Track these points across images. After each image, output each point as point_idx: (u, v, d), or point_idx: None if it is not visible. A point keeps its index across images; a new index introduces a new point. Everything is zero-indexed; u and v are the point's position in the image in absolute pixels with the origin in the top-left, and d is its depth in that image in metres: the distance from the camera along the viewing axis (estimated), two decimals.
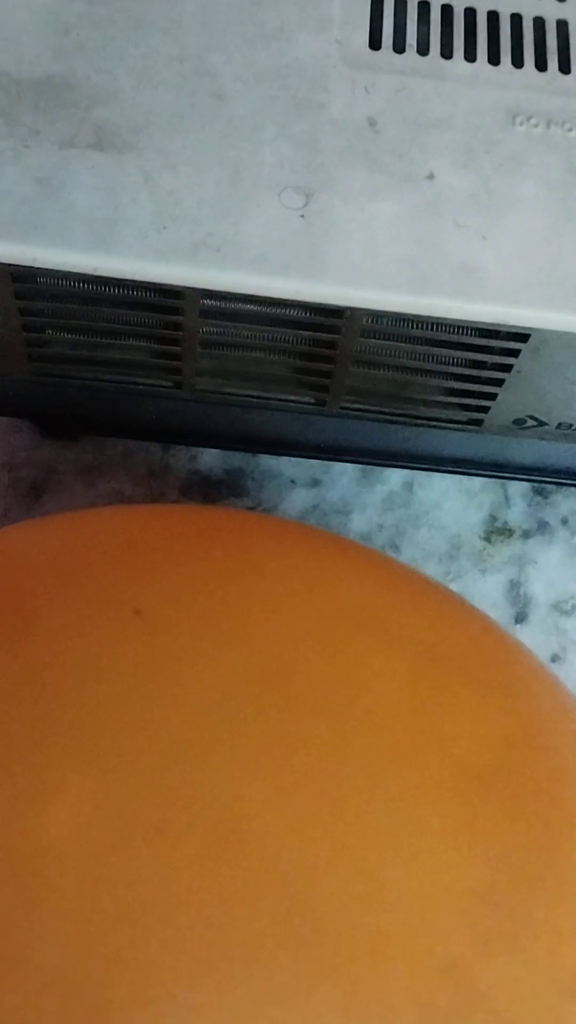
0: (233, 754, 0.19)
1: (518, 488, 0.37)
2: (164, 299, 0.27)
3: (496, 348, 0.28)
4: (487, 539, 0.37)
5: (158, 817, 0.18)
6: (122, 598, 0.21)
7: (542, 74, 0.28)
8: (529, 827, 0.20)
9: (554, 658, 0.36)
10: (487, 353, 0.29)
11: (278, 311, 0.28)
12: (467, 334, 0.28)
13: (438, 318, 0.27)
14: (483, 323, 0.26)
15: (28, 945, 0.17)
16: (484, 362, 0.29)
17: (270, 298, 0.27)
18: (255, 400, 0.32)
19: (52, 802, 0.18)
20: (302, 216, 0.26)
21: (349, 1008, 0.17)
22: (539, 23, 0.29)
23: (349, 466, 0.37)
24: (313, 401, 0.32)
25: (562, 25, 0.29)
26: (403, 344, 0.29)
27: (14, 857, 0.18)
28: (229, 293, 0.26)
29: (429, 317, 0.27)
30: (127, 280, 0.26)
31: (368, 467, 0.37)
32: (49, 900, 0.17)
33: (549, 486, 0.37)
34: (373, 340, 0.29)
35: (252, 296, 0.27)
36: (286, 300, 0.26)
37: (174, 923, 0.17)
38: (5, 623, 0.21)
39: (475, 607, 0.28)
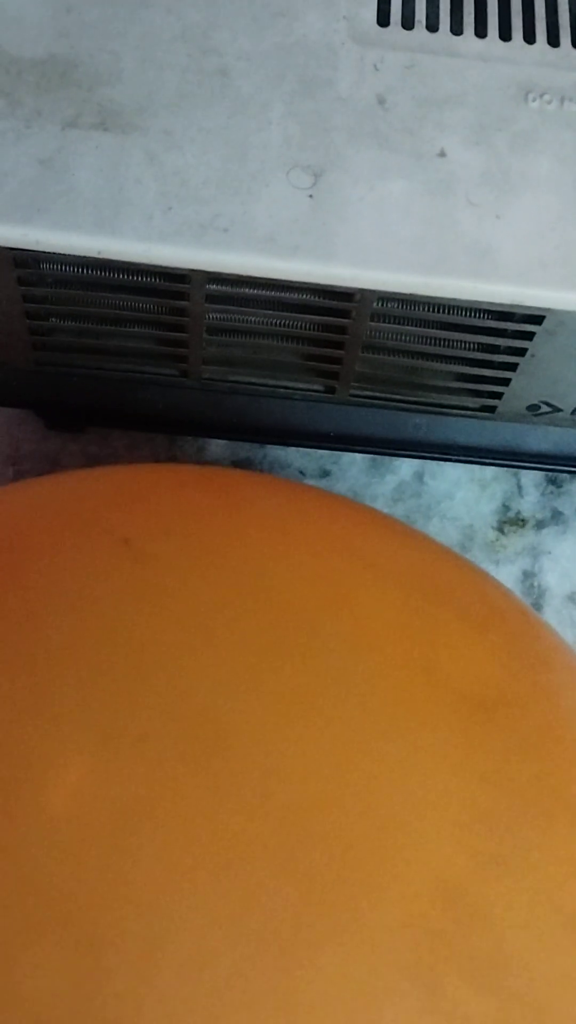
0: (219, 667, 0.19)
1: (531, 477, 0.37)
2: (169, 284, 0.27)
3: (510, 331, 0.28)
4: (500, 529, 0.36)
5: (140, 728, 0.18)
6: (111, 528, 0.21)
7: (555, 50, 0.28)
8: (531, 755, 0.20)
9: None
10: (501, 336, 0.28)
11: (286, 295, 0.27)
12: (480, 317, 0.27)
13: (451, 299, 0.26)
14: (497, 304, 0.26)
15: (19, 860, 0.17)
16: (498, 346, 0.28)
17: (278, 281, 0.26)
18: (263, 388, 0.31)
19: (39, 721, 0.18)
20: (311, 196, 0.25)
21: (344, 928, 0.17)
22: None
23: (359, 456, 0.37)
24: (322, 388, 0.31)
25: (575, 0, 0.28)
26: (415, 328, 0.28)
27: (4, 763, 0.17)
28: (236, 276, 0.26)
29: (442, 299, 0.26)
30: (132, 264, 0.25)
31: (378, 457, 0.36)
32: (39, 813, 0.17)
33: (563, 475, 0.37)
34: (384, 324, 0.28)
35: (259, 279, 0.26)
36: (294, 283, 0.26)
37: (161, 833, 0.17)
38: None
39: (471, 562, 0.28)
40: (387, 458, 0.36)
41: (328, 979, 0.16)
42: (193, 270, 0.26)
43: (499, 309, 0.26)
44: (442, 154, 0.26)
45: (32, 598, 0.20)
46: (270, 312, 0.28)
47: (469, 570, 0.26)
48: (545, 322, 0.27)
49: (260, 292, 0.27)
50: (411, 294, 0.26)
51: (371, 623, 0.21)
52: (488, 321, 0.27)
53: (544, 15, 0.28)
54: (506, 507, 0.36)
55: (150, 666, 0.19)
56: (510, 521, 0.36)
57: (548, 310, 0.26)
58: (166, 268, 0.26)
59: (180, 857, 0.17)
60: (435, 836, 0.18)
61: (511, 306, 0.26)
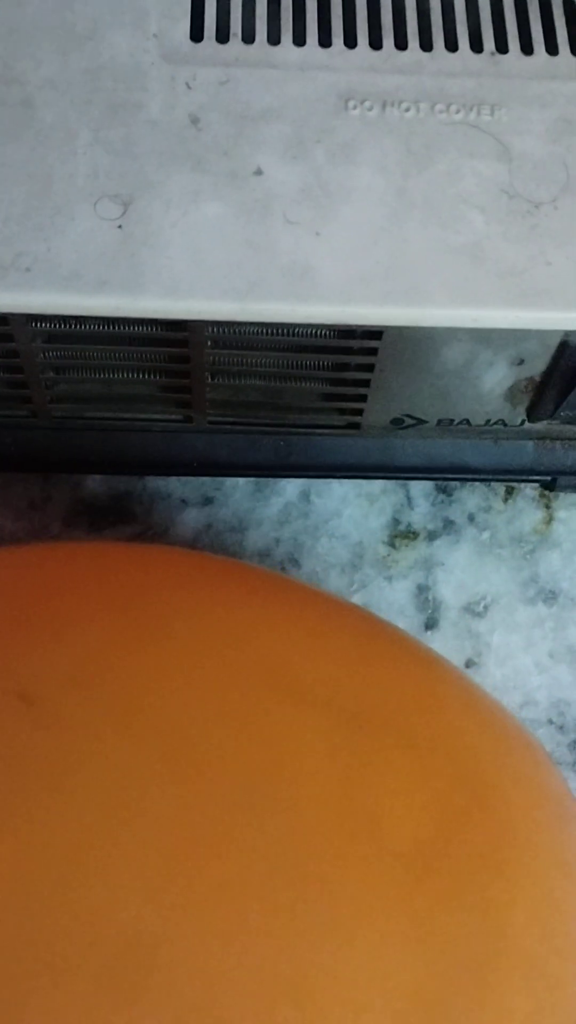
0: (128, 867, 0.17)
1: (420, 488, 0.36)
2: None
3: (355, 348, 0.27)
4: (391, 544, 0.35)
5: (48, 952, 0.16)
6: (5, 679, 0.19)
7: (376, 52, 0.27)
8: (469, 913, 0.18)
9: (468, 663, 0.34)
10: (347, 354, 0.27)
11: (121, 329, 0.26)
12: (321, 336, 0.26)
13: (276, 323, 0.25)
14: (322, 324, 0.25)
15: None
16: (347, 363, 0.27)
17: (101, 317, 0.25)
18: (119, 422, 0.30)
19: None
20: (120, 226, 0.24)
21: None
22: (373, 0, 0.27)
23: (242, 480, 0.35)
24: (180, 418, 0.30)
25: None
26: (258, 352, 0.27)
27: None
28: (54, 315, 0.25)
29: (267, 323, 0.25)
30: None
31: (262, 480, 0.35)
32: None
33: (453, 483, 0.36)
34: (226, 350, 0.27)
35: (84, 316, 0.25)
36: (113, 318, 0.25)
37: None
38: None
39: (406, 635, 0.26)
40: (272, 480, 0.35)
41: None
42: (7, 312, 0.25)
43: (329, 328, 0.25)
44: (258, 172, 0.25)
45: None
46: (108, 347, 0.27)
47: (410, 662, 0.24)
48: (384, 337, 0.26)
49: (93, 328, 0.26)
50: (233, 321, 0.24)
51: (296, 778, 0.19)
52: (331, 340, 0.26)
53: (366, 16, 0.27)
54: (396, 520, 0.35)
55: (41, 860, 0.17)
56: (401, 535, 0.35)
57: (381, 326, 0.25)
58: None
59: None
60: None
61: (338, 325, 0.25)
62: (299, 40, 0.27)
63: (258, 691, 0.20)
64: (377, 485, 0.36)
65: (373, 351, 0.26)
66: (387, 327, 0.25)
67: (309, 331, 0.26)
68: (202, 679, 0.20)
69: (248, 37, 0.27)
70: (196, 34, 0.26)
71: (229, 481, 0.36)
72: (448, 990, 0.17)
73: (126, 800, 0.18)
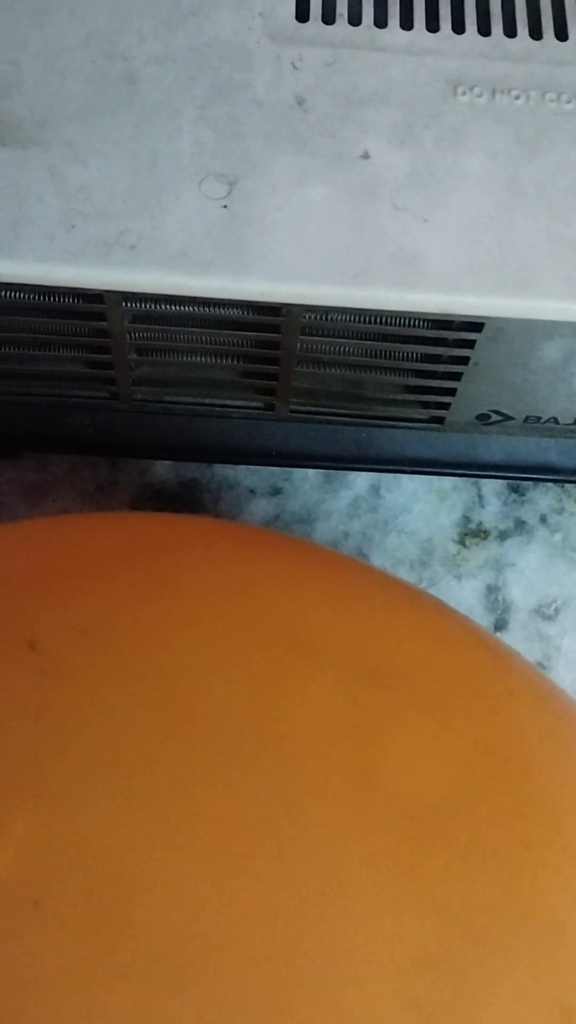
0: (124, 808, 0.17)
1: (492, 487, 0.35)
2: (85, 304, 0.25)
3: (450, 340, 0.26)
4: (461, 542, 0.35)
5: (33, 891, 0.16)
6: (14, 627, 0.19)
7: (485, 39, 0.26)
8: (489, 877, 0.18)
9: (538, 667, 0.34)
10: (441, 345, 0.26)
11: (213, 311, 0.26)
12: (417, 326, 0.26)
13: (380, 311, 0.24)
14: (429, 314, 0.24)
15: None
16: (439, 355, 0.27)
17: (199, 298, 0.24)
18: (199, 408, 0.30)
19: None
20: (225, 206, 0.24)
21: None
22: None
23: (311, 472, 0.35)
24: (261, 405, 0.30)
25: None
26: (350, 340, 0.27)
27: None
28: (152, 295, 0.24)
29: (371, 310, 0.24)
30: (38, 286, 0.24)
31: (331, 472, 0.35)
32: None
33: (525, 483, 0.35)
34: (317, 337, 0.27)
35: (179, 296, 0.25)
36: (214, 299, 0.24)
37: (51, 1013, 0.15)
38: None
39: (451, 609, 0.26)
40: (341, 473, 0.35)
41: None
42: (106, 290, 0.24)
43: (436, 318, 0.25)
44: (365, 156, 0.25)
45: None
46: (198, 330, 0.27)
47: (444, 630, 0.24)
48: (485, 329, 0.25)
49: (184, 309, 0.26)
50: (337, 307, 0.24)
51: (307, 735, 0.18)
52: (426, 331, 0.26)
53: (474, 3, 0.27)
54: (467, 518, 0.35)
55: (46, 812, 0.16)
56: (471, 533, 0.35)
57: (485, 317, 0.24)
58: (75, 289, 0.24)
59: None
60: (368, 990, 0.16)
61: (444, 315, 0.24)
62: (406, 24, 0.26)
63: (267, 644, 0.20)
64: (448, 482, 0.35)
65: (470, 344, 0.26)
66: (489, 319, 0.25)
67: (403, 320, 0.26)
68: (210, 631, 0.20)
69: (354, 19, 0.26)
70: (302, 14, 0.26)
71: (298, 472, 0.35)
72: (460, 957, 0.17)
73: (128, 748, 0.17)
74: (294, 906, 0.16)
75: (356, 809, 0.18)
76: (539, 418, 0.29)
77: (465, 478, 0.35)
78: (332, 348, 0.27)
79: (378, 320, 0.26)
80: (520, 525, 0.35)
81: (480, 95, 0.25)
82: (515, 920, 0.17)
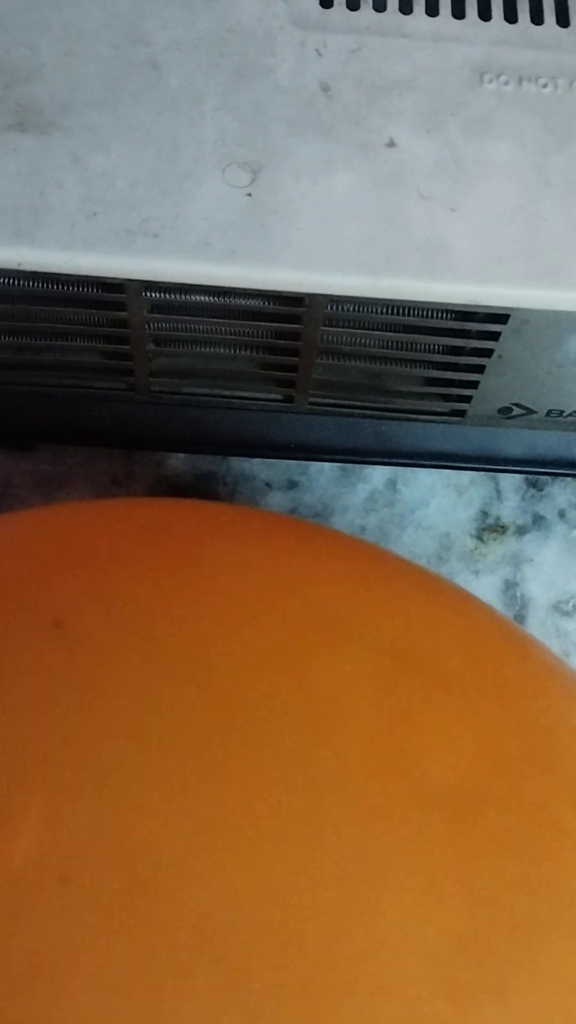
0: (154, 785, 0.16)
1: (510, 481, 0.35)
2: (105, 294, 0.25)
3: (474, 331, 0.26)
4: (479, 537, 0.34)
5: (64, 868, 0.15)
6: (41, 606, 0.19)
7: (512, 26, 0.26)
8: (521, 859, 0.18)
9: None
10: (464, 337, 0.26)
11: (233, 301, 0.25)
12: (441, 317, 0.25)
13: (406, 301, 0.24)
14: (456, 304, 0.24)
15: None
16: (462, 347, 0.27)
17: (220, 287, 0.24)
18: (217, 400, 0.30)
19: None
20: (249, 194, 0.23)
21: None
22: None
23: (327, 465, 0.35)
24: (280, 397, 0.29)
25: None
26: (372, 331, 0.26)
27: None
28: (173, 284, 0.24)
29: (396, 300, 0.24)
30: (58, 274, 0.23)
31: (348, 465, 0.35)
32: None
33: (543, 478, 0.35)
34: (339, 328, 0.26)
35: (201, 286, 0.24)
36: (237, 289, 0.24)
37: (80, 994, 0.15)
38: None
39: (473, 596, 0.26)
40: (358, 467, 0.35)
41: None
42: (127, 279, 0.24)
43: (460, 309, 0.24)
44: (391, 144, 0.24)
45: None
46: (218, 320, 0.26)
47: (469, 615, 0.23)
48: (510, 321, 0.25)
49: (205, 299, 0.25)
50: (361, 297, 0.24)
51: (335, 715, 0.18)
52: (450, 322, 0.25)
53: None
54: (484, 513, 0.35)
55: (72, 789, 0.16)
56: (489, 528, 0.34)
57: (512, 308, 0.24)
58: (96, 278, 0.24)
59: (100, 1020, 0.15)
60: (406, 972, 0.16)
61: (470, 306, 0.24)
62: (432, 10, 0.26)
63: (294, 624, 0.20)
64: (466, 476, 0.35)
65: (494, 335, 0.26)
66: (515, 310, 0.24)
67: (427, 312, 0.25)
68: (235, 611, 0.20)
69: (379, 5, 0.26)
70: (326, 0, 0.26)
71: (314, 466, 0.35)
72: (494, 939, 0.17)
73: (155, 725, 0.17)
74: (327, 886, 0.16)
75: (388, 790, 0.17)
76: (562, 412, 0.29)
77: (483, 472, 0.35)
78: (353, 339, 0.27)
79: (401, 311, 0.25)
80: (538, 520, 0.34)
81: (507, 83, 0.25)
82: (547, 902, 0.17)
